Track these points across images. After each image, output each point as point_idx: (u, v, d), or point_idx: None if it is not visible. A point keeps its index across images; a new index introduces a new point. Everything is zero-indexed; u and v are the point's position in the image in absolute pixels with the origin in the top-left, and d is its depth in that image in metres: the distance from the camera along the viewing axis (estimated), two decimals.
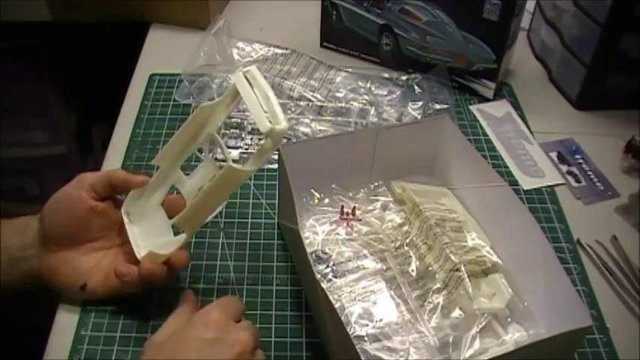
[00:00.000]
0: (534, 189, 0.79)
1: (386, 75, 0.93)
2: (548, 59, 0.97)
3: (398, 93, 0.88)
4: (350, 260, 0.65)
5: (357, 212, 0.70)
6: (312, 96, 0.86)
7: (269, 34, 0.97)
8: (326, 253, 0.65)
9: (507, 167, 0.81)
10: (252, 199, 0.75)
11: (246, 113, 0.83)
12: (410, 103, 0.86)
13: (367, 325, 0.60)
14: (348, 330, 0.53)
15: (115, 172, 0.62)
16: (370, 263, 0.65)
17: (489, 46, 0.85)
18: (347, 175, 0.71)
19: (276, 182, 0.77)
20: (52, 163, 1.42)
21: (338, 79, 0.89)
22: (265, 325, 0.63)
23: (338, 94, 0.87)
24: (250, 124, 0.83)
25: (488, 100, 0.91)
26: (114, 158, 0.79)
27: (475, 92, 0.91)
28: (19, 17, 1.10)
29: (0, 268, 0.60)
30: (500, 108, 0.90)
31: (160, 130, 0.83)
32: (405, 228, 0.68)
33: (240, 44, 0.93)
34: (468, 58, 0.88)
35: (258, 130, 0.57)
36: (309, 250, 0.60)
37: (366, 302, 0.62)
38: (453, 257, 0.62)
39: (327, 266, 0.64)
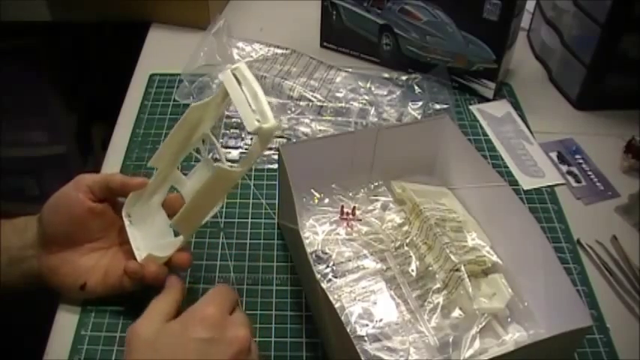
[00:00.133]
0: (534, 189, 0.79)
1: (386, 75, 0.93)
2: (548, 59, 0.97)
3: (398, 93, 0.88)
4: (350, 260, 0.65)
5: (357, 212, 0.70)
6: (312, 96, 0.86)
7: (269, 34, 0.97)
8: (326, 253, 0.65)
9: (507, 167, 0.81)
10: (252, 199, 0.75)
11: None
12: (410, 103, 0.86)
13: (367, 325, 0.60)
14: (348, 330, 0.53)
15: (113, 177, 0.62)
16: (370, 263, 0.65)
17: (489, 46, 0.85)
18: (347, 175, 0.71)
19: (276, 182, 0.77)
20: (52, 163, 1.42)
21: (338, 79, 0.89)
22: (265, 325, 0.63)
23: (338, 94, 0.87)
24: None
25: (488, 100, 0.91)
26: (114, 158, 0.79)
27: (475, 92, 0.91)
28: (19, 17, 1.10)
29: (0, 269, 0.61)
30: (500, 108, 0.90)
31: (159, 130, 0.83)
32: (405, 228, 0.68)
33: (240, 44, 0.93)
34: (468, 58, 0.88)
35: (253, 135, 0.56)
36: (309, 250, 0.60)
37: (366, 302, 0.62)
38: (453, 257, 0.62)
39: (327, 266, 0.64)
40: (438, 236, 0.64)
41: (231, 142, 0.81)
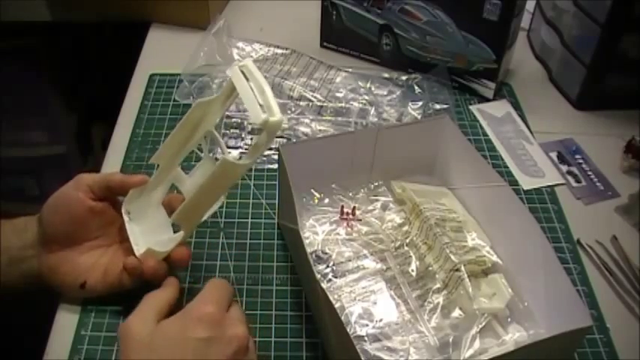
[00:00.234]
0: (534, 189, 0.79)
1: (386, 75, 0.93)
2: (548, 59, 0.97)
3: (398, 93, 0.88)
4: (350, 260, 0.65)
5: (357, 212, 0.70)
6: (312, 96, 0.86)
7: (269, 34, 0.97)
8: (326, 253, 0.65)
9: (507, 167, 0.81)
10: (252, 199, 0.75)
11: (247, 113, 0.83)
12: (410, 103, 0.86)
13: (367, 325, 0.60)
14: (348, 330, 0.53)
15: (113, 176, 0.62)
16: (370, 263, 0.65)
17: (489, 46, 0.85)
18: (347, 175, 0.71)
19: (276, 182, 0.77)
20: (52, 163, 1.42)
21: (338, 79, 0.89)
22: (265, 325, 0.63)
23: (338, 94, 0.87)
24: (250, 123, 0.83)
25: (488, 100, 0.91)
26: (114, 158, 0.79)
27: (475, 92, 0.91)
28: (19, 17, 1.10)
29: (0, 269, 0.61)
30: (500, 108, 0.90)
31: (160, 130, 0.83)
32: (405, 228, 0.68)
33: (240, 44, 0.93)
34: (468, 58, 0.88)
35: (259, 129, 0.56)
36: (309, 250, 0.60)
37: (366, 302, 0.62)
38: (453, 257, 0.62)
39: (327, 266, 0.64)
40: (438, 236, 0.64)
41: (232, 142, 0.81)
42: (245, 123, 0.83)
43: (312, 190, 0.71)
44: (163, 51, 0.98)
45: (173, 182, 0.64)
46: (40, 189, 1.46)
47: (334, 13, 0.95)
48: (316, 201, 0.71)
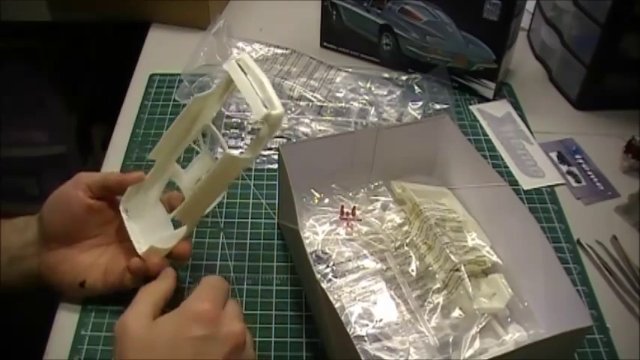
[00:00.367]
0: (534, 189, 0.79)
1: (386, 75, 0.93)
2: (548, 59, 0.97)
3: (398, 93, 0.88)
4: (350, 260, 0.65)
5: (357, 212, 0.70)
6: (312, 96, 0.86)
7: (269, 34, 0.97)
8: (326, 253, 0.65)
9: (507, 167, 0.81)
10: (252, 199, 0.75)
11: (247, 113, 0.83)
12: (410, 103, 0.86)
13: (367, 325, 0.60)
14: (348, 330, 0.53)
15: (110, 175, 0.63)
16: (370, 263, 0.65)
17: (489, 46, 0.85)
18: (347, 175, 0.71)
19: (276, 182, 0.77)
20: (52, 163, 1.42)
21: (338, 79, 0.89)
22: (265, 325, 0.63)
23: (338, 94, 0.87)
24: (250, 123, 0.83)
25: (488, 100, 0.91)
26: (114, 158, 0.79)
27: (475, 92, 0.91)
28: (19, 17, 1.10)
29: (0, 268, 0.61)
30: (500, 108, 0.90)
31: (160, 130, 0.83)
32: (405, 228, 0.68)
33: (240, 44, 0.93)
34: (468, 58, 0.88)
35: (259, 129, 0.56)
36: (309, 250, 0.60)
37: (366, 302, 0.62)
38: (453, 257, 0.62)
39: (327, 266, 0.64)
40: (438, 236, 0.64)
41: (232, 142, 0.81)
42: (245, 123, 0.83)
43: (312, 190, 0.71)
44: (163, 51, 0.98)
45: (170, 178, 0.64)
46: (40, 189, 1.46)
47: (334, 13, 0.95)
48: (316, 201, 0.71)
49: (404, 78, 0.91)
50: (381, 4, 0.90)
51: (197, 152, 0.63)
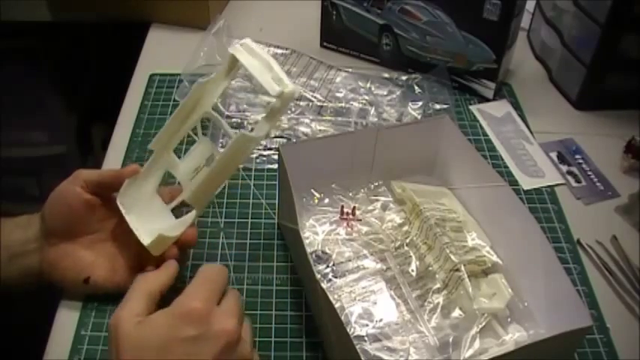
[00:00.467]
0: (534, 189, 0.79)
1: (386, 75, 0.93)
2: (548, 59, 0.97)
3: (398, 93, 0.88)
4: (350, 260, 0.65)
5: (357, 212, 0.70)
6: (312, 96, 0.86)
7: (269, 34, 0.97)
8: (326, 253, 0.65)
9: (507, 167, 0.81)
10: (252, 199, 0.75)
11: (246, 113, 0.83)
12: (410, 103, 0.86)
13: (367, 325, 0.60)
14: (348, 330, 0.53)
15: (105, 172, 0.63)
16: (370, 263, 0.65)
17: (489, 46, 0.85)
18: (347, 175, 0.71)
19: (276, 182, 0.77)
20: (52, 163, 1.42)
21: (338, 79, 0.89)
22: (265, 325, 0.63)
23: (338, 94, 0.87)
24: (250, 123, 0.83)
25: (488, 100, 0.91)
26: (114, 158, 0.79)
27: (475, 92, 0.91)
28: (19, 17, 1.10)
29: (0, 266, 0.61)
30: (500, 108, 0.90)
31: (160, 130, 0.82)
32: (405, 228, 0.68)
33: None
34: (468, 58, 0.88)
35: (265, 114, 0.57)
36: (309, 250, 0.60)
37: (366, 302, 0.62)
38: (453, 257, 0.62)
39: (327, 266, 0.64)
40: (438, 236, 0.64)
41: None
42: (245, 123, 0.83)
43: (312, 190, 0.71)
44: (163, 51, 0.98)
45: (167, 168, 0.64)
46: (40, 189, 1.46)
47: (334, 13, 0.95)
48: (316, 201, 0.71)
49: (404, 78, 0.91)
50: (381, 4, 0.90)
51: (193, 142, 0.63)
